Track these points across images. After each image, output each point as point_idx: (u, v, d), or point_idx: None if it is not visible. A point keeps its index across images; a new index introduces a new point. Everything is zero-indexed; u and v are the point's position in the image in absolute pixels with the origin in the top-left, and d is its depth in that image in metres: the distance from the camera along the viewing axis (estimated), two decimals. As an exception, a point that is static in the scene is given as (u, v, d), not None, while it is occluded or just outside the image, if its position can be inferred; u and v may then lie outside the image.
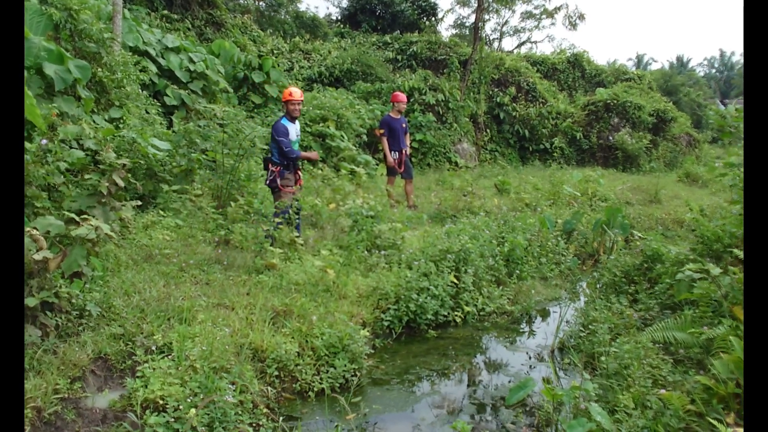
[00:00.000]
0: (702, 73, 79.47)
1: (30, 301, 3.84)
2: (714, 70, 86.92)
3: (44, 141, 5.27)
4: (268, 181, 7.61)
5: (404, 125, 10.92)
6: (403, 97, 10.94)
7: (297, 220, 7.44)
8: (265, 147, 9.98)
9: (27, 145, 4.91)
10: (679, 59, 78.29)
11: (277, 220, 7.00)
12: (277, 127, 7.49)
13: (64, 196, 5.33)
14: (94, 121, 7.65)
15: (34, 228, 4.10)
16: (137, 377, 4.03)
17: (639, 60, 74.32)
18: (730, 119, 6.06)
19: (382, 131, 10.76)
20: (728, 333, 4.06)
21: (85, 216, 4.57)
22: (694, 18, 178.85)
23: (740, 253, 4.88)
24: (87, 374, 4.03)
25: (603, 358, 4.69)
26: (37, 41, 7.03)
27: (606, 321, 5.52)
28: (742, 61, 79.57)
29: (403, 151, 10.82)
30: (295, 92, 7.57)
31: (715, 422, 3.29)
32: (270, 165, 7.56)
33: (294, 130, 7.59)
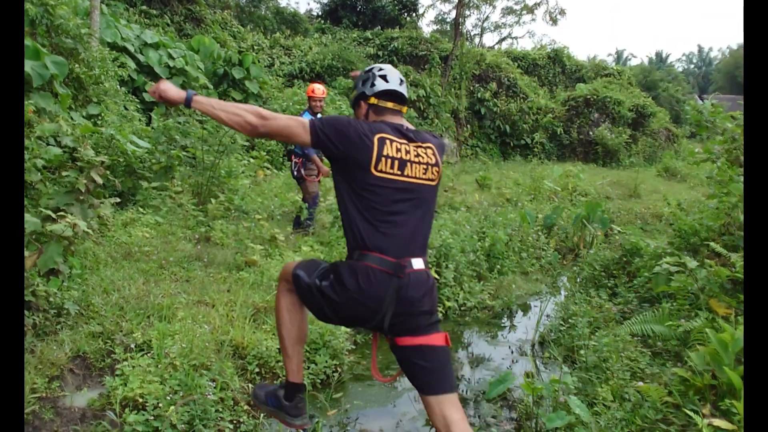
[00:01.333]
0: (680, 69, 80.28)
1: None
2: (692, 66, 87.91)
3: (20, 138, 5.20)
4: (293, 173, 8.01)
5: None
6: None
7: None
8: (246, 143, 9.93)
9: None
10: (658, 55, 79.03)
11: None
12: None
13: (42, 193, 5.27)
14: (71, 118, 7.56)
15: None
16: (116, 375, 3.99)
17: (619, 55, 74.93)
18: (706, 114, 6.14)
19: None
20: (705, 325, 4.12)
21: (62, 213, 4.52)
22: (673, 14, 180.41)
23: (716, 246, 4.94)
24: (65, 373, 3.99)
25: (582, 352, 4.73)
26: (13, 37, 6.94)
27: (585, 315, 5.57)
28: (719, 56, 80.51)
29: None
30: (318, 89, 7.94)
31: (691, 413, 3.33)
32: (293, 156, 7.91)
33: None
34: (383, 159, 2.64)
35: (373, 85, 2.86)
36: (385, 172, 2.65)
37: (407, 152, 2.72)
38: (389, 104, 2.87)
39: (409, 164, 2.70)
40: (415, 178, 2.72)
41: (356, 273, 2.66)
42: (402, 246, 2.68)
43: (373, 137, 2.67)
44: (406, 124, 2.89)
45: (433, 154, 2.80)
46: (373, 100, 2.87)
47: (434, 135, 2.95)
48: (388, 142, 2.69)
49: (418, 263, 2.70)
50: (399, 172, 2.68)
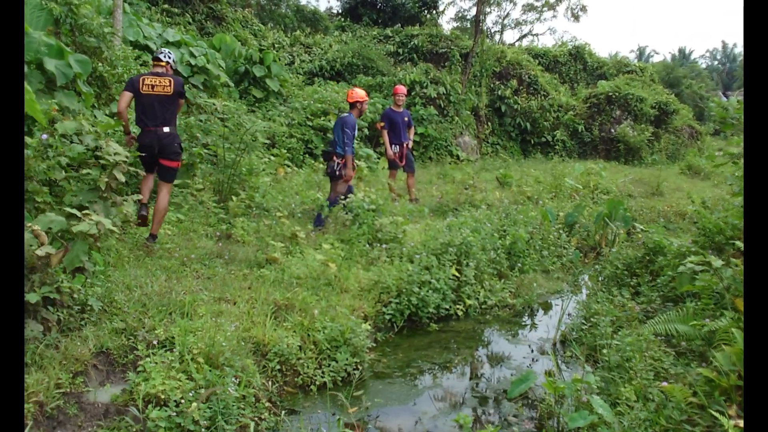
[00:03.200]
0: (704, 65, 79.13)
1: (31, 297, 3.83)
2: (716, 62, 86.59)
3: (45, 136, 5.26)
4: (329, 171, 8.28)
5: (406, 118, 10.87)
6: (400, 89, 10.91)
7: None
8: (267, 141, 9.95)
9: (27, 140, 4.91)
10: (681, 51, 77.98)
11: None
12: (348, 120, 8.25)
13: (65, 190, 5.32)
14: (94, 116, 7.63)
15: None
16: (139, 371, 4.03)
17: (641, 52, 74.06)
18: (731, 111, 6.04)
19: (382, 124, 10.74)
20: (730, 325, 4.06)
21: (87, 212, 4.56)
22: (697, 10, 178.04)
23: (742, 245, 4.87)
24: (89, 369, 4.03)
25: (605, 351, 4.68)
26: (38, 36, 7.01)
27: (608, 314, 5.52)
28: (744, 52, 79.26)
29: (405, 145, 10.77)
30: (359, 92, 8.57)
31: (716, 414, 3.29)
32: (335, 156, 8.19)
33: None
34: (144, 86, 6.27)
35: (152, 54, 6.80)
36: (146, 91, 6.26)
37: (155, 83, 6.30)
38: (153, 62, 6.55)
39: (156, 87, 6.28)
40: (160, 92, 6.29)
41: (143, 136, 6.36)
42: (157, 121, 6.30)
43: (139, 78, 6.33)
44: (163, 71, 6.47)
45: (169, 84, 6.32)
46: (151, 62, 6.62)
47: (173, 76, 6.47)
48: (146, 78, 6.31)
49: (166, 129, 6.33)
50: (151, 91, 6.26)
